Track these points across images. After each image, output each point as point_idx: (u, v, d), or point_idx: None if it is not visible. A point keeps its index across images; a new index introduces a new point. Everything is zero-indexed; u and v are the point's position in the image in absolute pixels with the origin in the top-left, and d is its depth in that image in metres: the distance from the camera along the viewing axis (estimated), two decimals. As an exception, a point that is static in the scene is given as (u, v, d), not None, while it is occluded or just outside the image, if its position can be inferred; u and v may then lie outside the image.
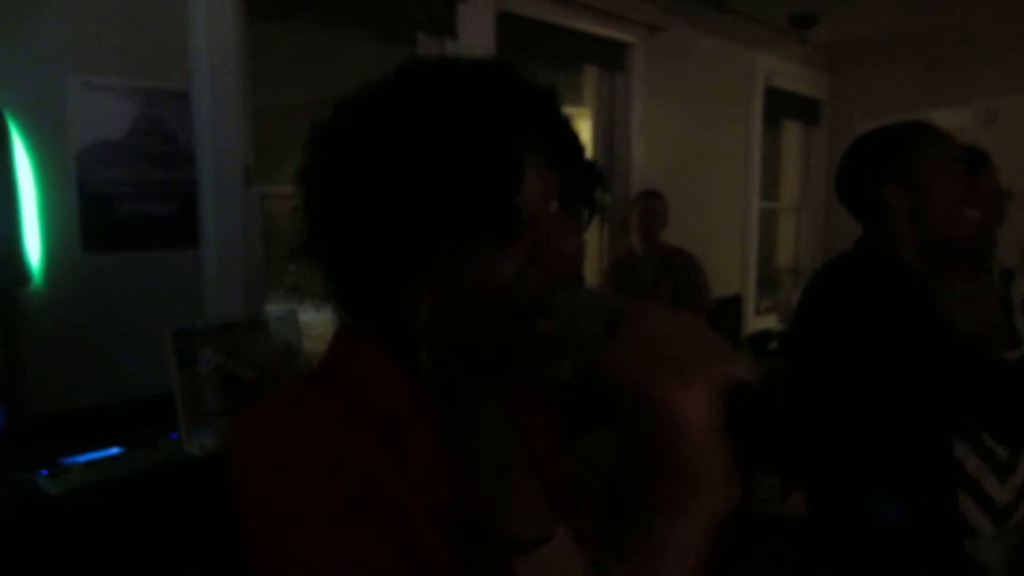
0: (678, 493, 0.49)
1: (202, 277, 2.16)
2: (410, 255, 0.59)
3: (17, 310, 1.77)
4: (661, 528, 0.49)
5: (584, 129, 3.63)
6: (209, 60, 2.09)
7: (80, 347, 1.89)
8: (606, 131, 3.70)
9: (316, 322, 2.36)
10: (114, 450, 1.60)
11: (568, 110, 0.65)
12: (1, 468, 1.47)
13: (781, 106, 4.68)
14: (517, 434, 0.76)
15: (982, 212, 1.47)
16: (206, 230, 2.17)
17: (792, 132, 5.13)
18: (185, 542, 1.54)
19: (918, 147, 1.35)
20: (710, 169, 4.13)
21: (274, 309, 2.29)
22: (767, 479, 4.05)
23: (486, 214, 0.57)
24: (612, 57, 3.59)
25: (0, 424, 1.51)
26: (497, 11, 2.92)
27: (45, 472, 1.51)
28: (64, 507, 1.44)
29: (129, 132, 1.99)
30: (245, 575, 0.56)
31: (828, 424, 1.38)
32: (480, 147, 0.57)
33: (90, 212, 1.93)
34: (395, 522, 0.56)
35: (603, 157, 3.63)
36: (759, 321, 4.47)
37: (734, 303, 3.96)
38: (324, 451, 0.56)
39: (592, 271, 3.51)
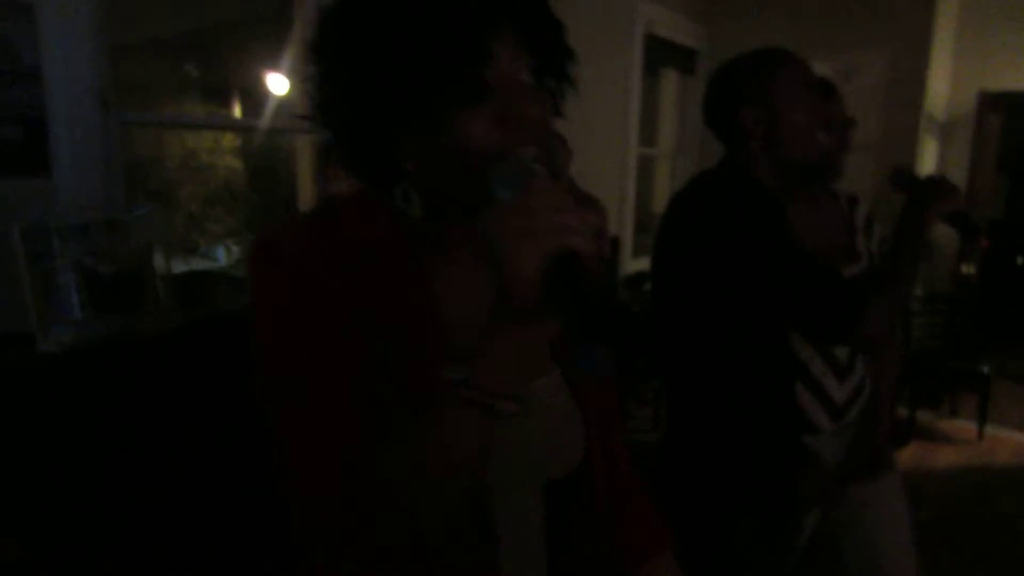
0: (506, 318, 0.65)
1: (55, 208, 2.01)
2: (396, 121, 0.71)
3: None
4: (497, 334, 0.66)
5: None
6: (54, -33, 1.91)
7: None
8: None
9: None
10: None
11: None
12: None
13: (660, 55, 4.80)
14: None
15: (830, 137, 1.58)
16: (58, 157, 2.01)
17: (670, 80, 5.28)
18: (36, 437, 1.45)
19: (771, 71, 1.43)
20: (590, 115, 4.20)
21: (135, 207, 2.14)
22: (641, 411, 4.28)
23: (454, 84, 0.68)
24: None
25: None
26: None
27: None
28: None
29: (-38, 45, 1.80)
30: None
31: (667, 325, 1.47)
32: (447, 27, 0.67)
33: (-80, 134, 1.75)
34: (356, 331, 0.71)
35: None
36: (636, 263, 4.64)
37: (611, 245, 4.08)
38: (299, 276, 0.71)
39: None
